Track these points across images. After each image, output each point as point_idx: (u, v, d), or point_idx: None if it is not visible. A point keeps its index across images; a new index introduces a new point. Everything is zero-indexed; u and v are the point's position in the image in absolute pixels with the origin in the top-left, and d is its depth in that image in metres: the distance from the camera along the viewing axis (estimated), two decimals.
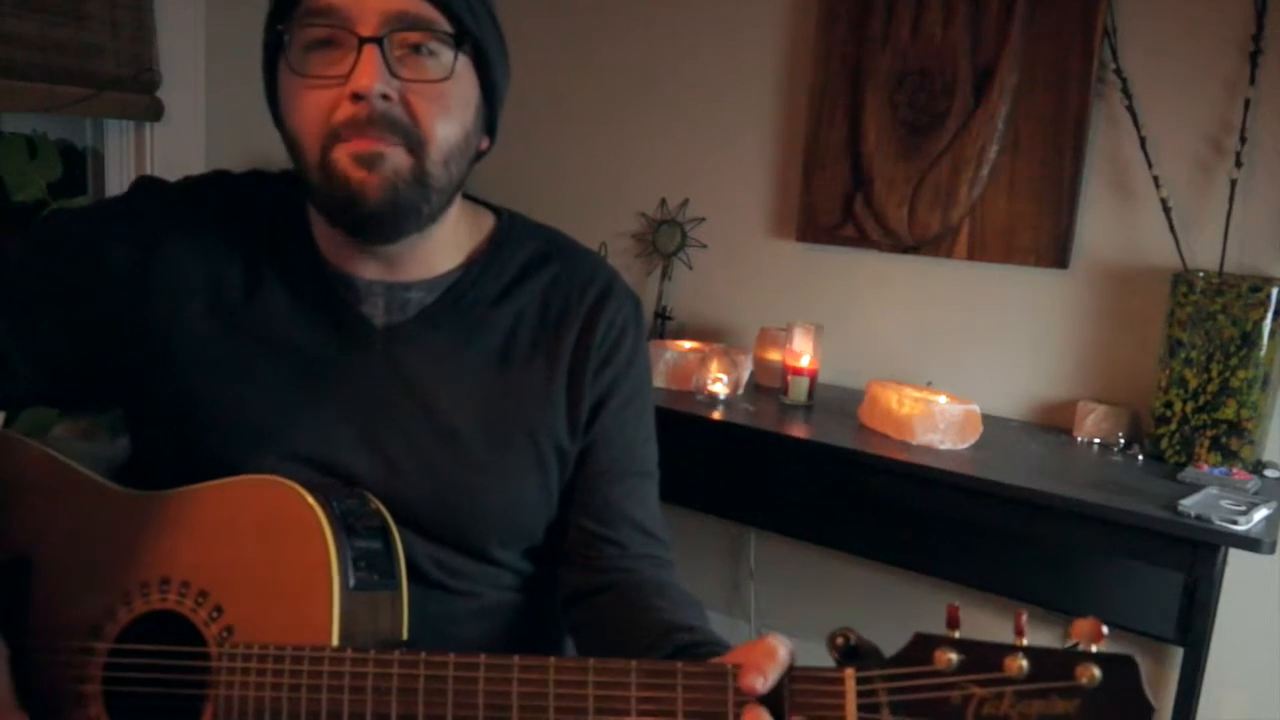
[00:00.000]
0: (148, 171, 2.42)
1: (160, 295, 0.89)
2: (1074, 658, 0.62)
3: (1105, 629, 0.62)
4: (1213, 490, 1.61)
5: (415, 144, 0.82)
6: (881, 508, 1.79)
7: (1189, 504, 1.51)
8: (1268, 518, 1.51)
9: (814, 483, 1.86)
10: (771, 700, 0.68)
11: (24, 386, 0.91)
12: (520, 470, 0.92)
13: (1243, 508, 1.51)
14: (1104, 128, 1.95)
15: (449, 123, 0.83)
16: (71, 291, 0.89)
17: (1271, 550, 1.45)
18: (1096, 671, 0.61)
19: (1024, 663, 0.63)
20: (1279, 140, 1.80)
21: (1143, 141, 1.87)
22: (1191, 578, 1.52)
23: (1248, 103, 1.78)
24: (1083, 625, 0.63)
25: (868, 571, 2.19)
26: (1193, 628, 1.53)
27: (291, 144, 0.84)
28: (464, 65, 0.84)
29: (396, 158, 0.81)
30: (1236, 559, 1.69)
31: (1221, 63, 1.83)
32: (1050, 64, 1.95)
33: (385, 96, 0.79)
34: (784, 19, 2.29)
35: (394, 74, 0.80)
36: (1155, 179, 1.86)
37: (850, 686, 0.66)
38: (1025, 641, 0.64)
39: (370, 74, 0.78)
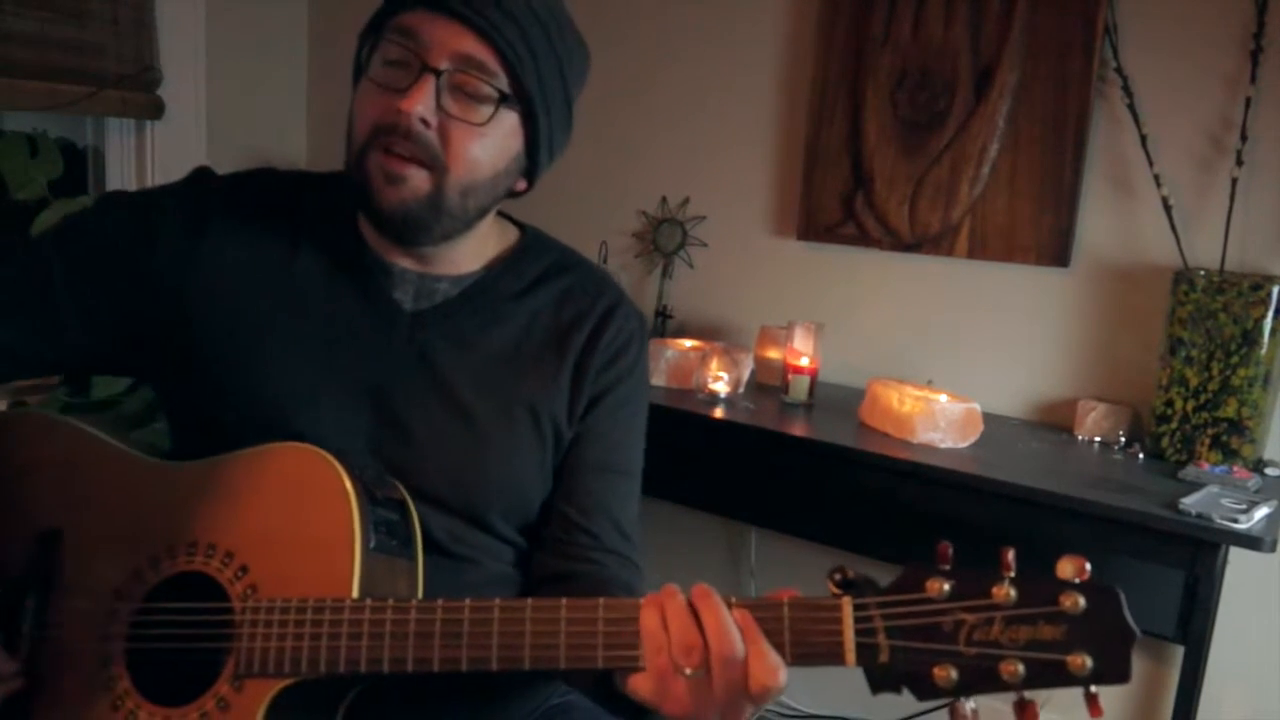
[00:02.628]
0: (149, 170, 2.42)
1: (207, 270, 0.97)
2: (1059, 586, 0.66)
3: (1088, 565, 0.65)
4: (1213, 489, 1.61)
5: (438, 169, 0.90)
6: (882, 506, 1.79)
7: (1190, 502, 1.51)
8: (1268, 516, 1.51)
9: (815, 481, 1.86)
10: (772, 631, 0.71)
11: (71, 344, 0.98)
12: (523, 445, 0.99)
13: (1243, 506, 1.51)
14: (1105, 126, 1.94)
15: (476, 161, 0.92)
16: (127, 259, 0.96)
17: (1272, 548, 1.45)
18: (1081, 599, 0.65)
19: (1011, 591, 0.66)
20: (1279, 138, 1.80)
21: (1143, 140, 1.87)
22: (1192, 576, 1.52)
23: (1249, 101, 1.78)
24: (1066, 563, 0.66)
25: (868, 570, 2.19)
26: (1193, 626, 1.53)
27: (347, 133, 0.95)
28: (509, 118, 0.93)
29: (416, 180, 0.90)
30: (1237, 557, 1.69)
31: (1222, 61, 1.83)
32: (1051, 62, 1.95)
33: (424, 121, 0.89)
34: (784, 17, 2.29)
35: (439, 105, 0.89)
36: (1156, 177, 1.86)
37: (848, 613, 0.70)
38: (1012, 574, 0.67)
39: (417, 99, 0.88)
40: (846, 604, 0.70)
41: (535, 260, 1.06)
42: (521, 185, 1.01)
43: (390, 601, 0.79)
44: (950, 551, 0.69)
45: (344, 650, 0.78)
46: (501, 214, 1.07)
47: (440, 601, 0.78)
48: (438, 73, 0.88)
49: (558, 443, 1.01)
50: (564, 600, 0.75)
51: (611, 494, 1.02)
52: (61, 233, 1.00)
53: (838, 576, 0.71)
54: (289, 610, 0.80)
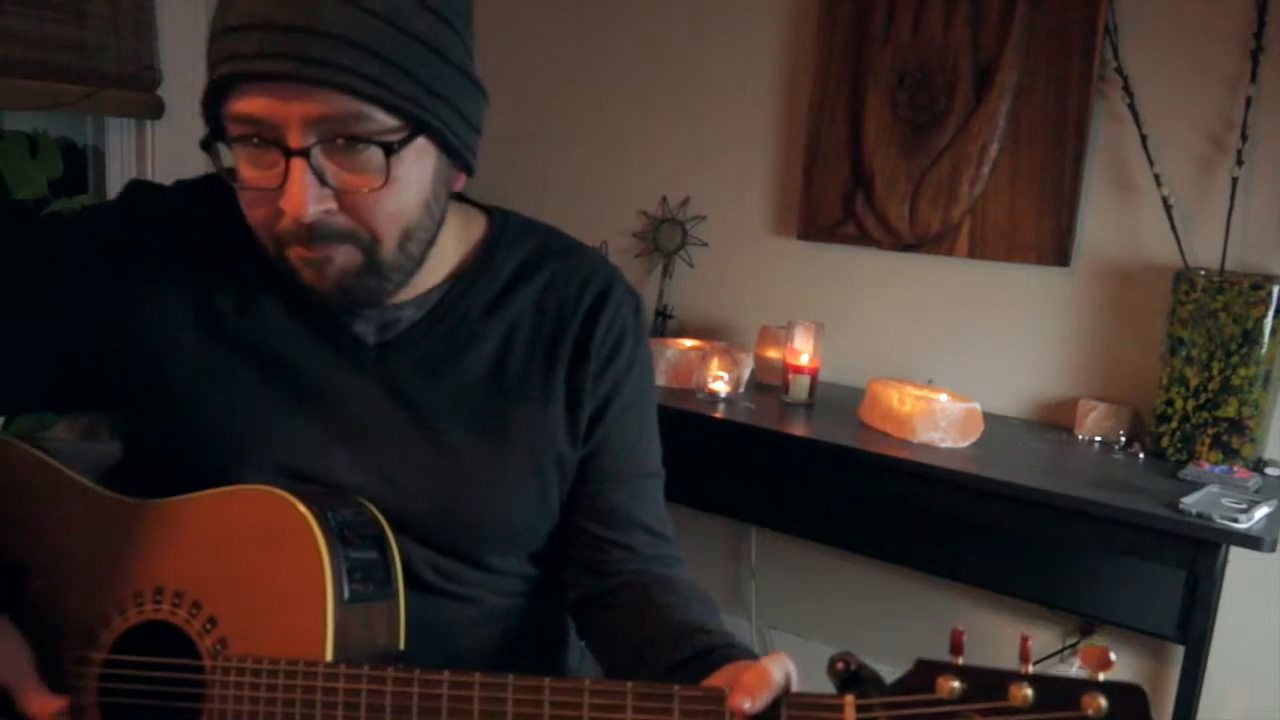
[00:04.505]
0: (149, 169, 2.42)
1: (152, 306, 0.88)
2: (1080, 686, 0.61)
3: (1113, 656, 0.61)
4: (1214, 488, 1.61)
5: (364, 243, 0.80)
6: (882, 506, 1.80)
7: (1190, 502, 1.51)
8: (1268, 515, 1.51)
9: (815, 481, 1.86)
10: None
11: (11, 390, 0.89)
12: (517, 481, 0.91)
13: (1244, 505, 1.51)
14: (1105, 126, 1.94)
15: (397, 213, 0.80)
16: (62, 300, 0.87)
17: (1272, 548, 1.45)
18: (1103, 701, 0.60)
19: (1029, 691, 0.61)
20: None
21: (1144, 139, 1.87)
22: (1192, 575, 1.52)
23: (1249, 100, 1.78)
24: (1090, 652, 0.61)
25: (869, 569, 2.19)
26: (1193, 625, 1.53)
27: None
28: (408, 147, 0.78)
29: (345, 256, 0.80)
30: (1237, 557, 1.69)
31: (1222, 60, 1.83)
32: (1051, 62, 1.95)
33: (325, 210, 0.77)
34: (785, 17, 2.28)
35: (326, 183, 0.76)
36: (1156, 177, 1.86)
37: (850, 714, 0.65)
38: (1030, 669, 0.62)
39: (299, 198, 0.75)
40: (849, 704, 0.65)
41: (508, 253, 0.94)
42: (461, 182, 0.88)
43: (365, 668, 0.75)
44: (964, 639, 0.64)
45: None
46: (465, 200, 0.96)
47: (417, 673, 0.74)
48: (305, 153, 0.74)
49: (562, 471, 0.93)
50: (547, 680, 0.72)
51: (637, 501, 0.95)
52: None
53: (840, 667, 0.66)
54: (260, 673, 0.77)
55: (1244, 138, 1.77)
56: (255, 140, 0.76)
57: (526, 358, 0.91)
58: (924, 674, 0.64)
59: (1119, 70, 1.89)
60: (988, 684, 0.62)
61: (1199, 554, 1.50)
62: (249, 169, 0.78)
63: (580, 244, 0.99)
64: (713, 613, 0.88)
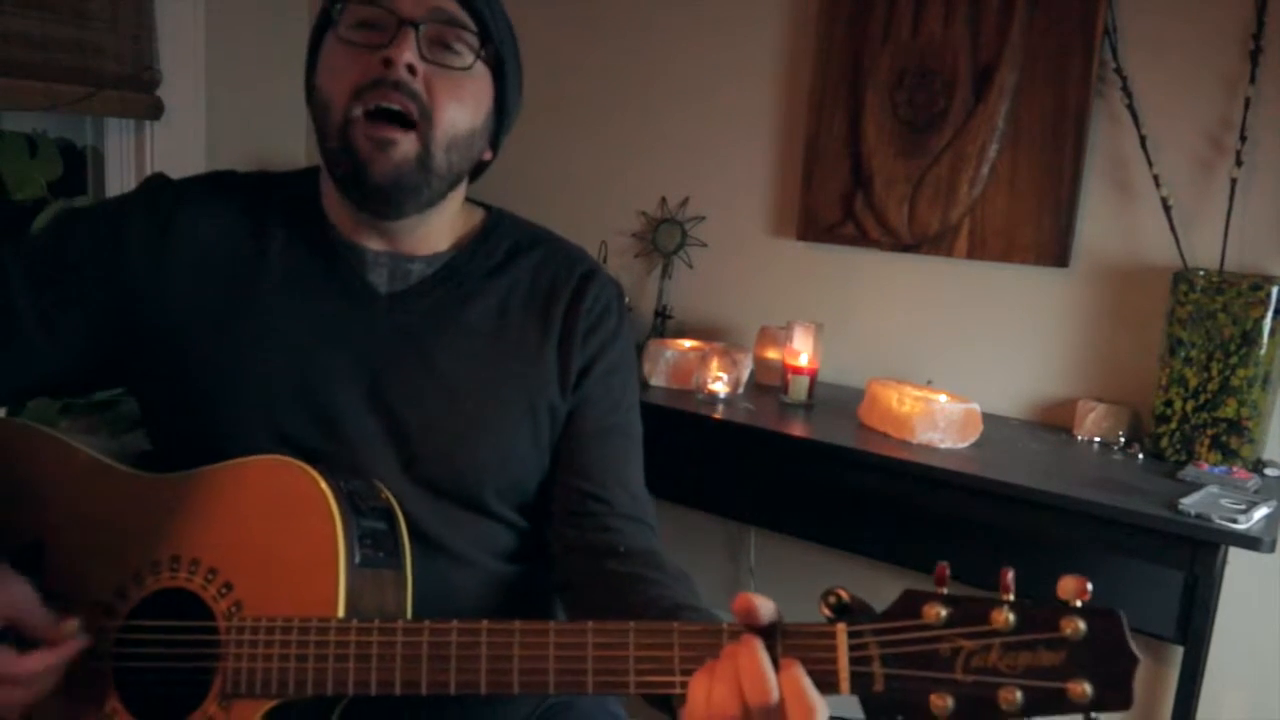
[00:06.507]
0: (148, 170, 2.42)
1: (176, 271, 0.96)
2: (1059, 611, 0.64)
3: (1090, 585, 0.64)
4: (1213, 489, 1.61)
5: (424, 121, 0.92)
6: (881, 506, 1.80)
7: (1189, 503, 1.51)
8: (1268, 516, 1.51)
9: (814, 481, 1.86)
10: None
11: (44, 371, 0.97)
12: (514, 424, 0.99)
13: (1243, 506, 1.51)
14: (1104, 126, 1.94)
15: (459, 110, 0.94)
16: (93, 273, 0.96)
17: (1271, 549, 1.45)
18: (1081, 624, 0.63)
19: (1010, 616, 0.64)
20: (1279, 138, 1.80)
21: (1143, 140, 1.87)
22: (1191, 576, 1.52)
23: (1248, 101, 1.78)
24: (1068, 582, 0.64)
25: (868, 570, 2.19)
26: (1192, 626, 1.53)
27: (320, 108, 0.94)
28: (482, 71, 0.97)
29: (405, 144, 0.91)
30: (1237, 557, 1.69)
31: (1222, 61, 1.83)
32: (1050, 62, 1.95)
33: (410, 69, 0.90)
34: (784, 17, 2.29)
35: (422, 56, 0.91)
36: (1155, 177, 1.86)
37: (842, 640, 0.68)
38: (1011, 597, 0.65)
39: (403, 47, 0.90)
40: (841, 631, 0.68)
41: (504, 236, 1.07)
42: (488, 154, 1.03)
43: (376, 622, 0.78)
44: (948, 573, 0.67)
45: (331, 672, 0.77)
46: (467, 198, 1.08)
47: (427, 623, 0.77)
48: (416, 25, 0.90)
49: (553, 419, 1.01)
50: (552, 624, 0.75)
51: (617, 458, 1.03)
52: (21, 257, 0.97)
53: (832, 599, 0.69)
54: (274, 630, 0.79)
55: (1243, 138, 1.78)
56: (375, 18, 0.91)
57: (523, 316, 1.02)
58: (911, 602, 0.68)
59: (1118, 70, 1.89)
60: (971, 610, 0.66)
61: (1198, 555, 1.50)
62: (358, 32, 0.92)
63: (567, 240, 1.11)
64: (695, 593, 0.93)
